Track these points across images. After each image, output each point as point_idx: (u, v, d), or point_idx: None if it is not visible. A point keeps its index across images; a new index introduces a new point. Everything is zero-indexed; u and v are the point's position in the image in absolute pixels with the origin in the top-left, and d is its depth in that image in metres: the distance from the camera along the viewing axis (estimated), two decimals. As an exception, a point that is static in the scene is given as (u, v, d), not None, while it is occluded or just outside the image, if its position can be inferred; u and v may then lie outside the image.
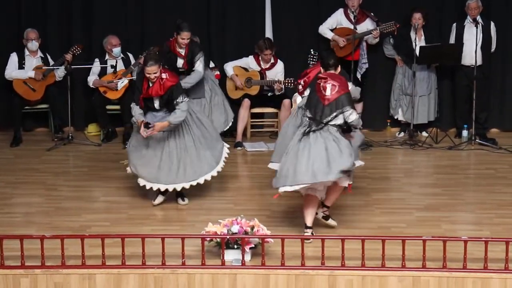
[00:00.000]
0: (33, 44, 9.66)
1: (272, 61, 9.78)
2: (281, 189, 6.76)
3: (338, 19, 9.81)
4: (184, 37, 8.49)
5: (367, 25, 9.80)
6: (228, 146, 7.93)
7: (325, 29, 9.80)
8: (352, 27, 9.62)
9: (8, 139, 9.72)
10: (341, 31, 9.75)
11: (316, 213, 6.91)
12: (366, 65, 9.73)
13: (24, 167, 8.84)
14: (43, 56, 9.80)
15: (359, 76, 9.70)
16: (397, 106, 9.98)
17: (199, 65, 8.65)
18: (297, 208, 7.55)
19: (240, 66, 9.85)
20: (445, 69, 9.94)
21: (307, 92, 7.43)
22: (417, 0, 9.84)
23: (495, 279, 6.20)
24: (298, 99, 8.02)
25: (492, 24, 9.73)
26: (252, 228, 6.41)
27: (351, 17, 9.65)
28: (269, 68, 9.80)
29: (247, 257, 6.33)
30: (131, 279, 6.26)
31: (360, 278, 6.23)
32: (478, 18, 9.58)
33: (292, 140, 6.87)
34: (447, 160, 9.10)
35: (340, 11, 9.81)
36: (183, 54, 8.60)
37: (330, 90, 6.75)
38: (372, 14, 9.74)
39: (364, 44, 9.85)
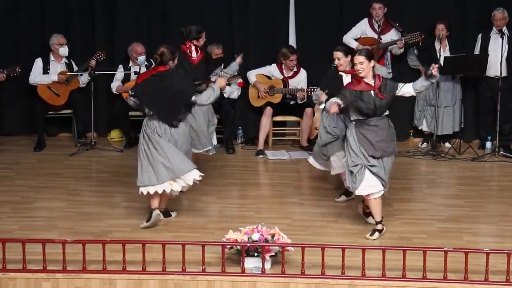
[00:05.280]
0: (65, 49, 9.70)
1: (295, 69, 9.78)
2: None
3: (362, 28, 9.81)
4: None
5: (391, 35, 9.77)
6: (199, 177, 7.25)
7: (350, 39, 9.78)
8: (376, 37, 9.60)
9: (32, 143, 9.79)
10: (365, 40, 9.73)
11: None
12: (390, 75, 9.69)
13: (47, 171, 8.90)
14: (67, 62, 9.87)
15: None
16: (422, 117, 9.94)
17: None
18: (318, 217, 7.53)
19: (263, 74, 9.85)
20: (469, 80, 9.89)
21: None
22: (442, 11, 9.80)
23: (518, 292, 6.15)
24: (321, 107, 8.02)
25: (518, 35, 9.69)
26: (273, 236, 6.40)
27: (376, 27, 9.63)
28: (292, 77, 9.80)
29: (267, 265, 6.32)
30: (151, 285, 6.26)
31: (380, 288, 6.21)
32: (504, 29, 9.52)
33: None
34: (470, 172, 9.04)
35: (365, 21, 9.80)
36: (195, 57, 8.32)
37: (373, 81, 7.19)
38: (397, 24, 9.72)
39: (389, 54, 9.84)
